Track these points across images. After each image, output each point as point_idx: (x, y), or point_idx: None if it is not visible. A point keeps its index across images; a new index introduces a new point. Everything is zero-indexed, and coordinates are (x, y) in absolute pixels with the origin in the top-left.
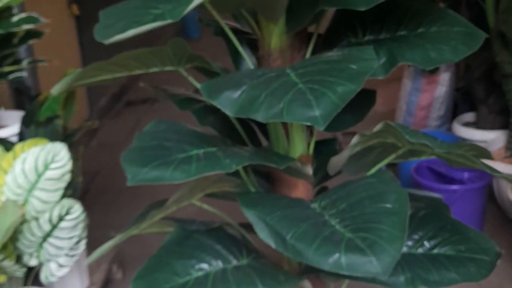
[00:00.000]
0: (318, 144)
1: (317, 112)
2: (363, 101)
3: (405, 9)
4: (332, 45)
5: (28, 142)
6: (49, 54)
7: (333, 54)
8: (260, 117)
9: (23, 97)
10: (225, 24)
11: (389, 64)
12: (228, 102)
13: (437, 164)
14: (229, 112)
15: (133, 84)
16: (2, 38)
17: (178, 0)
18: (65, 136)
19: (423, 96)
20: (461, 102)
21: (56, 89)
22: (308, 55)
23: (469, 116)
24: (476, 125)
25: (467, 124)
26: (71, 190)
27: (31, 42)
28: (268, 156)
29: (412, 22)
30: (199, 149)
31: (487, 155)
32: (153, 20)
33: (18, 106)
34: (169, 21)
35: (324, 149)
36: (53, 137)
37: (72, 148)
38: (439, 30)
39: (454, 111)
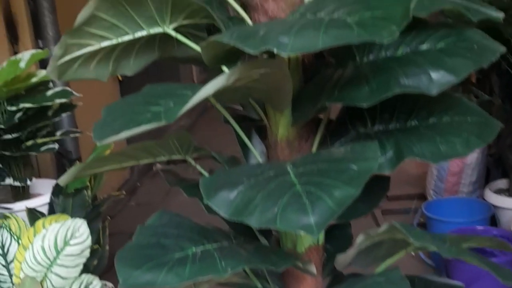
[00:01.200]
0: (331, 228)
1: (312, 219)
2: (376, 188)
3: (417, 97)
4: (341, 134)
5: (48, 218)
6: (93, 116)
7: (336, 150)
8: (253, 222)
9: (64, 161)
10: (234, 110)
11: (396, 159)
12: (224, 203)
13: (466, 234)
14: (224, 214)
15: None
16: (37, 111)
17: (179, 95)
18: (93, 206)
19: (454, 162)
20: (493, 168)
21: (62, 181)
22: (314, 148)
23: (502, 183)
24: (509, 192)
25: (499, 191)
26: (96, 260)
27: (64, 114)
28: (267, 257)
29: (424, 111)
30: (198, 246)
31: (507, 247)
32: (149, 121)
33: (59, 170)
34: (164, 122)
35: (337, 234)
36: (81, 208)
37: (99, 217)
38: (451, 120)
39: (487, 177)
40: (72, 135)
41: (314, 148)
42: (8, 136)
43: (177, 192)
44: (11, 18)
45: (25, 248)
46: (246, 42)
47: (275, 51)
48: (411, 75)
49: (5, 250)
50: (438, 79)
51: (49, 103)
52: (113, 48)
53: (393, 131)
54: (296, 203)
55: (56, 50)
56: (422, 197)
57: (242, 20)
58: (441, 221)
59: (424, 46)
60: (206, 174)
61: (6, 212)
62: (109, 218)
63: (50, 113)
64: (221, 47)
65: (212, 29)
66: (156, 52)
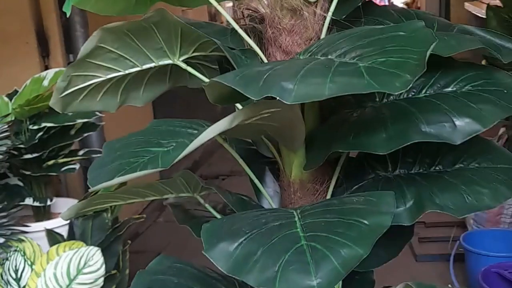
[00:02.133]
0: (351, 274)
1: (314, 282)
2: (399, 234)
3: None
4: (359, 177)
5: (62, 244)
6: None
7: (349, 199)
8: (251, 281)
9: None
10: (246, 147)
11: (416, 210)
12: (223, 256)
13: (507, 269)
14: (222, 269)
15: (205, 160)
16: (59, 130)
17: (184, 134)
18: (113, 229)
19: None
20: None
21: (64, 216)
22: (330, 191)
23: None
24: None
25: None
26: (115, 286)
27: (86, 134)
28: None
29: (450, 155)
30: None
31: None
32: (145, 166)
33: (87, 189)
34: (160, 169)
35: (358, 279)
36: (100, 231)
37: (119, 240)
38: (479, 167)
39: None
40: (94, 155)
41: (329, 193)
42: (29, 156)
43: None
44: (43, 32)
45: (37, 275)
46: (248, 87)
47: (278, 98)
48: (433, 122)
49: (19, 275)
50: (462, 127)
51: (70, 123)
52: (121, 79)
53: (415, 176)
54: (299, 262)
55: (59, 82)
56: (462, 225)
57: (255, 53)
58: (480, 254)
59: (449, 89)
60: (215, 213)
61: (23, 234)
62: (129, 242)
63: (72, 132)
64: (224, 87)
65: (224, 61)
66: (168, 83)
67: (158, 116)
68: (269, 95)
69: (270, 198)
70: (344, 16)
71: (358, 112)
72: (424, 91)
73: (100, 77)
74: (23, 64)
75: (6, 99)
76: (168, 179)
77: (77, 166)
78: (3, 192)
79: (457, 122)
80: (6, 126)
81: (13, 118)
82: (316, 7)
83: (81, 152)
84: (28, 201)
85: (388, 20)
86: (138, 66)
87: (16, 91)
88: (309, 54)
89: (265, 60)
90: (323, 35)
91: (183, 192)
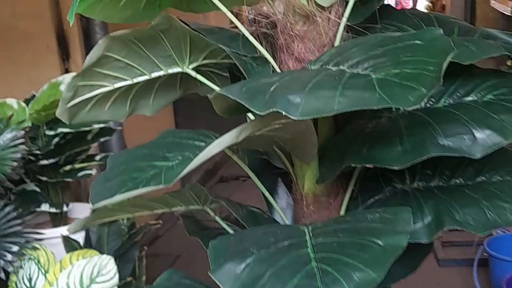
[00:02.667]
0: None
1: None
2: (416, 249)
3: None
4: (375, 190)
5: (76, 253)
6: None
7: (364, 216)
8: None
9: None
10: (259, 157)
11: (435, 227)
12: (230, 278)
13: None
14: None
15: (226, 161)
16: (75, 135)
17: (192, 146)
18: (129, 235)
19: None
20: None
21: (71, 229)
22: (344, 206)
23: None
24: None
25: None
26: None
27: (102, 139)
28: None
29: (471, 167)
30: None
31: None
32: (147, 183)
33: None
34: (163, 186)
35: None
36: (116, 237)
37: (136, 247)
38: (502, 180)
39: None
40: None
41: (343, 207)
42: (45, 162)
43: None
44: (63, 35)
45: (50, 284)
46: (253, 101)
47: (284, 113)
48: (451, 134)
49: (32, 283)
50: (483, 140)
51: (87, 128)
52: (129, 88)
53: (434, 190)
54: (308, 286)
55: (64, 92)
56: None
57: (267, 61)
58: (504, 260)
59: (470, 98)
60: (225, 226)
61: (38, 241)
62: (145, 248)
63: (89, 137)
64: (231, 99)
65: (235, 68)
66: (178, 91)
67: (180, 116)
68: (275, 109)
69: (282, 211)
70: (360, 22)
71: (373, 122)
72: (442, 100)
73: (108, 86)
74: (44, 67)
75: (23, 104)
76: (178, 192)
77: (93, 171)
78: (19, 198)
79: (477, 134)
80: (22, 133)
81: (30, 124)
82: (330, 12)
83: (98, 157)
84: (44, 207)
85: (407, 25)
86: (146, 75)
87: (33, 96)
88: (320, 63)
89: (277, 68)
90: (337, 42)
91: (192, 204)
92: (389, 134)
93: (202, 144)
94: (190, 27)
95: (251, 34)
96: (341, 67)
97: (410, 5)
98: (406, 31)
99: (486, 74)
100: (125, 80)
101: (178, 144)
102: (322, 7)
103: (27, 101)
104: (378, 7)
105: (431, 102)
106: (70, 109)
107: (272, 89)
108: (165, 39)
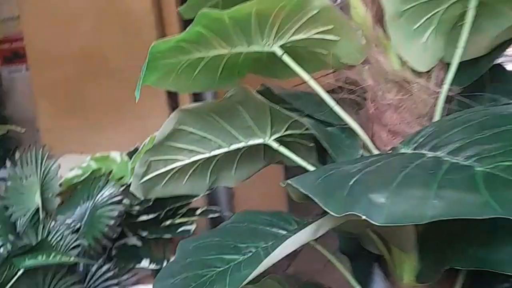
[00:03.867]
0: None
1: None
2: None
3: None
4: (490, 286)
5: None
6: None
7: None
8: None
9: None
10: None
11: None
12: None
13: None
14: None
15: None
16: None
17: (269, 235)
18: None
19: None
20: None
21: None
22: None
23: None
24: None
25: None
26: None
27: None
28: None
29: None
30: None
31: None
32: (211, 285)
33: None
34: None
35: None
36: None
37: None
38: None
39: None
40: (212, 215)
41: None
42: (145, 217)
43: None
44: None
45: None
46: (328, 199)
47: (364, 218)
48: None
49: None
50: None
51: None
52: (208, 160)
53: None
54: None
55: (136, 168)
56: None
57: (355, 133)
58: None
59: None
60: None
61: None
62: None
63: None
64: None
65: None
66: (263, 160)
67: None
68: (354, 212)
69: None
70: (463, 87)
71: None
72: None
73: (183, 160)
74: (154, 116)
75: (126, 157)
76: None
77: (192, 227)
78: (120, 254)
79: None
80: (121, 189)
81: (129, 179)
82: (429, 77)
83: (198, 211)
84: (145, 263)
85: None
86: (225, 147)
87: (136, 149)
88: (414, 145)
89: (368, 141)
90: (437, 114)
91: None
92: (502, 228)
93: (281, 232)
94: (272, 92)
95: (338, 101)
96: (439, 152)
97: None
98: None
99: None
100: (202, 153)
101: (253, 231)
102: (419, 72)
103: (130, 154)
104: (487, 69)
105: None
106: (144, 184)
107: (351, 182)
108: (243, 110)
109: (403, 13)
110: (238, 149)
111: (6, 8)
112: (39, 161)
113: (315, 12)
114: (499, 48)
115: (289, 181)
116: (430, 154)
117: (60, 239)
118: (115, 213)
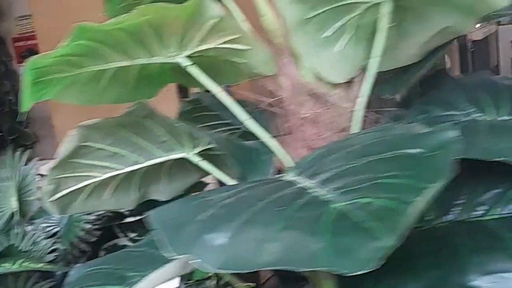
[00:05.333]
0: None
1: None
2: None
3: None
4: None
5: None
6: None
7: None
8: None
9: None
10: None
11: None
12: None
13: None
14: None
15: None
16: None
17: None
18: None
19: None
20: None
21: None
22: None
23: None
24: None
25: None
26: None
27: None
28: None
29: None
30: None
31: None
32: None
33: None
34: None
35: None
36: None
37: None
38: None
39: None
40: None
41: None
42: (132, 219)
43: None
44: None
45: None
46: (173, 238)
47: (193, 263)
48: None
49: None
50: None
51: None
52: (128, 175)
53: None
54: None
55: (45, 186)
56: None
57: (270, 150)
58: None
59: None
60: None
61: None
62: None
63: None
64: None
65: None
66: (199, 172)
67: None
68: (187, 255)
69: None
70: (393, 97)
71: None
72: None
73: (98, 176)
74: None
75: None
76: None
77: None
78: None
79: None
80: None
81: None
82: (348, 89)
83: None
84: None
85: (462, 105)
86: (142, 162)
87: None
88: (299, 170)
89: (284, 158)
90: (354, 128)
91: None
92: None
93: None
94: (201, 102)
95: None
96: (313, 181)
97: None
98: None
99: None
100: (119, 169)
101: (150, 256)
102: (335, 84)
103: None
104: (420, 78)
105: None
106: (58, 201)
107: (200, 217)
108: (152, 125)
109: (309, 20)
110: (160, 163)
111: (20, 6)
112: (17, 165)
113: (214, 21)
114: (432, 55)
115: (149, 213)
116: (302, 183)
117: (34, 244)
118: (91, 217)
